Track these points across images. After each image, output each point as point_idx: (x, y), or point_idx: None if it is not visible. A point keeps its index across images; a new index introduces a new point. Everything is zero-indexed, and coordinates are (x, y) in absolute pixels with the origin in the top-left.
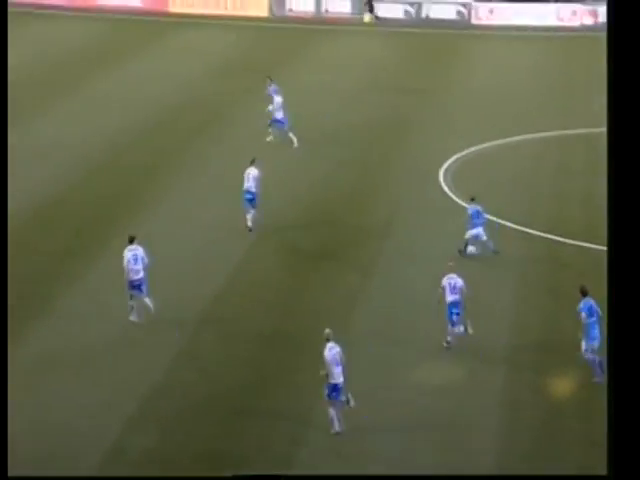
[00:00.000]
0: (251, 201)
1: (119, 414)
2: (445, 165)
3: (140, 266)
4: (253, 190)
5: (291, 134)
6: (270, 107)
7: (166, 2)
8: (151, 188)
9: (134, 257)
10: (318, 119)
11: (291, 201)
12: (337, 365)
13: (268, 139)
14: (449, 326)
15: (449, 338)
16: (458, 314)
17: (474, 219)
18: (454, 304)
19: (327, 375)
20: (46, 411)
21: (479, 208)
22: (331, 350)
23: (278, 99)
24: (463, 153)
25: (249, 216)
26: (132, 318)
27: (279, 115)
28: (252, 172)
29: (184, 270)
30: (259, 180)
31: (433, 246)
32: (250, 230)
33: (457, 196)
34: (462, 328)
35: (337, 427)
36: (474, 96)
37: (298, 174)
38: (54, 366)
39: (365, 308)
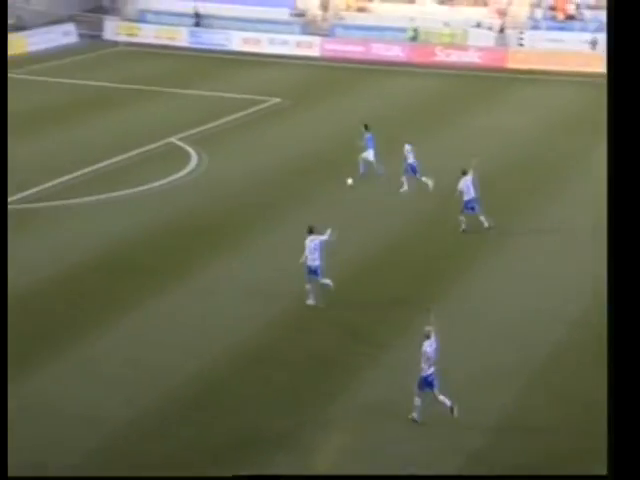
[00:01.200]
0: (468, 202)
1: (452, 464)
2: None
3: (317, 254)
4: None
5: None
6: (364, 154)
7: (505, 58)
8: (483, 247)
9: (314, 246)
10: None
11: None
12: (427, 359)
13: (402, 189)
14: None
15: None
16: None
17: None
18: None
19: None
20: (377, 458)
21: None
22: (426, 347)
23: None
24: None
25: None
26: (309, 302)
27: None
28: (466, 180)
29: (511, 334)
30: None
31: None
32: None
33: None
34: None
35: (416, 416)
36: None
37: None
38: (383, 415)
39: None
